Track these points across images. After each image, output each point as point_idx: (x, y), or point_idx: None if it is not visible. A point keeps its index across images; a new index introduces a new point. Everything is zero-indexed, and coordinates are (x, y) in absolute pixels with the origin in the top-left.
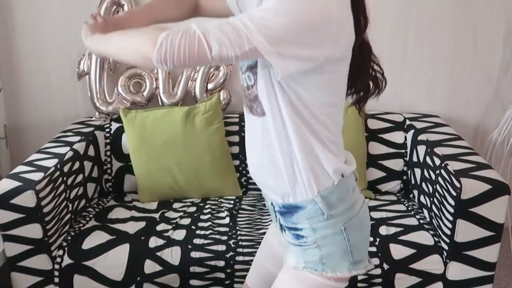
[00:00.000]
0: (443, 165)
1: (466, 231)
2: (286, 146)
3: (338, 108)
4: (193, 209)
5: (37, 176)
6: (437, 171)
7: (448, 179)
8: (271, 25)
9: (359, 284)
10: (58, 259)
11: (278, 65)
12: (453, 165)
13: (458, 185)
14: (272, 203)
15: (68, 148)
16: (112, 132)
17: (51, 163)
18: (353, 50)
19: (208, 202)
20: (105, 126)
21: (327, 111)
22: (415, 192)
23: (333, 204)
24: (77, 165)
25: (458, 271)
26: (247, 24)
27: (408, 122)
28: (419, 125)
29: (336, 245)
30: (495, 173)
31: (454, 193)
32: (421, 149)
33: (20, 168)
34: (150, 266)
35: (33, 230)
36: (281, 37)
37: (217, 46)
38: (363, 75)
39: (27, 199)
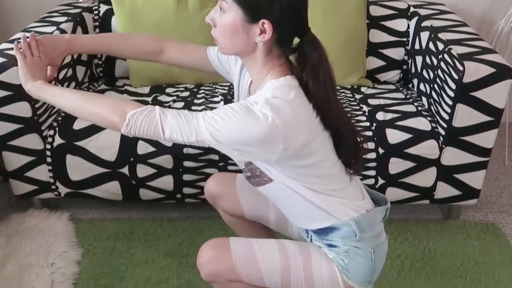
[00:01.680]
0: (446, 49)
1: (465, 116)
2: (303, 200)
3: (328, 169)
4: (186, 93)
5: None
6: (440, 56)
7: (451, 63)
8: (220, 129)
9: None
10: (49, 139)
11: (231, 155)
12: (457, 49)
13: (461, 68)
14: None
15: (55, 27)
16: (100, 14)
17: None
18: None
19: (202, 87)
20: (93, 9)
21: (316, 176)
22: (415, 81)
23: (364, 228)
24: None
25: (453, 156)
26: (199, 121)
27: (412, 9)
28: (423, 12)
29: (363, 262)
30: (499, 57)
31: (456, 77)
32: (424, 35)
33: (4, 45)
34: (143, 147)
35: (22, 109)
36: (228, 140)
37: (168, 132)
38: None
39: (13, 76)
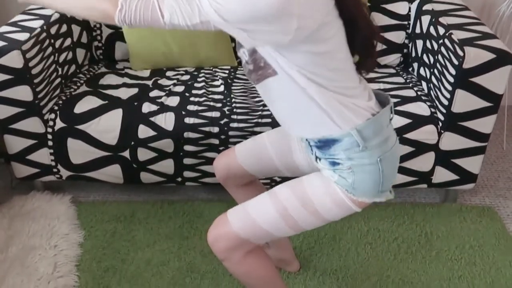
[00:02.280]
0: (447, 34)
1: (464, 102)
2: (306, 98)
3: (340, 63)
4: (187, 77)
5: (23, 36)
6: (441, 41)
7: (451, 48)
8: (226, 4)
9: None
10: (51, 123)
11: (240, 38)
12: (458, 34)
13: (461, 53)
14: (307, 139)
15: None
16: None
17: (37, 24)
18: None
19: (202, 71)
20: None
21: (328, 69)
22: (415, 65)
23: (368, 137)
24: (64, 28)
25: (451, 141)
26: None
27: None
28: None
29: (370, 174)
30: (500, 42)
31: (456, 62)
32: (425, 19)
33: (4, 28)
34: (143, 131)
35: (23, 92)
36: (235, 15)
37: (168, 14)
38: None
39: (13, 60)
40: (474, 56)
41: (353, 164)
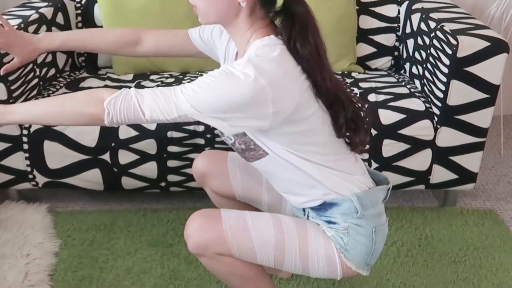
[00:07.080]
0: (438, 26)
1: (460, 93)
2: (301, 173)
3: (326, 137)
4: (171, 80)
5: None
6: (432, 34)
7: (444, 39)
8: (201, 98)
9: None
10: (26, 124)
11: (220, 127)
12: (450, 26)
13: (454, 42)
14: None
15: (34, 11)
16: (83, 2)
17: (14, 22)
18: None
19: (187, 75)
20: None
21: (313, 144)
22: (407, 66)
23: (366, 205)
24: (43, 29)
25: (448, 137)
26: (177, 94)
27: None
28: None
29: (364, 240)
30: (493, 32)
31: (449, 52)
32: (416, 17)
33: None
34: (125, 132)
35: None
36: (211, 108)
37: (148, 112)
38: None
39: None
40: (468, 45)
41: (350, 226)
